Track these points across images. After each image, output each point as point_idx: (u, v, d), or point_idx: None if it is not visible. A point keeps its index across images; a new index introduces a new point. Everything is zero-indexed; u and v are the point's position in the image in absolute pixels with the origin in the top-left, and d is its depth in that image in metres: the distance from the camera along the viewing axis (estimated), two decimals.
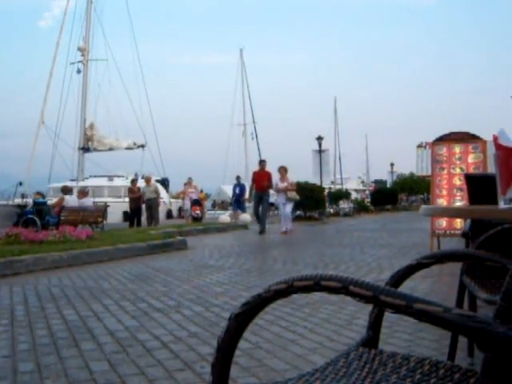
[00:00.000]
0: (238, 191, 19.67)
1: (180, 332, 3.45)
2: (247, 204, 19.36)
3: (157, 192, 17.34)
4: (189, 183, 20.84)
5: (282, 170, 14.00)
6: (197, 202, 20.16)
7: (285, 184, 13.66)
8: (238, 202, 19.95)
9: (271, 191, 14.27)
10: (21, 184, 20.51)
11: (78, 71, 26.11)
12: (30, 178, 23.63)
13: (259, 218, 13.69)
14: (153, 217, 16.92)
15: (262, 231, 13.36)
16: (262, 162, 14.43)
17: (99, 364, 2.77)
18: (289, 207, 13.84)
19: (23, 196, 19.60)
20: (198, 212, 19.84)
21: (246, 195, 15.71)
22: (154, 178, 22.40)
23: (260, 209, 13.74)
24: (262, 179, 13.52)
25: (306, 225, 18.11)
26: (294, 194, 13.86)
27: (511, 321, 0.74)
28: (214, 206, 45.00)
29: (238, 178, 20.35)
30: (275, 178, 13.92)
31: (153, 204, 16.88)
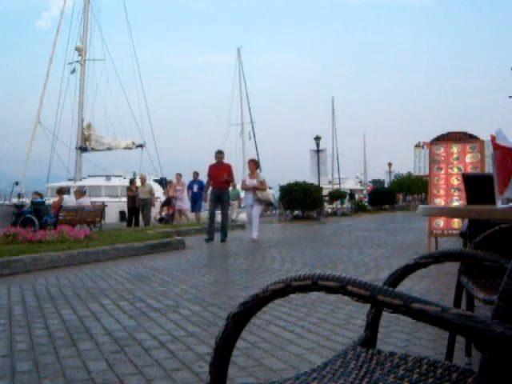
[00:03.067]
0: (195, 189, 17.14)
1: (178, 332, 3.45)
2: (204, 204, 16.37)
3: (151, 192, 17.27)
4: (177, 180, 18.28)
5: (252, 165, 11.58)
6: (168, 203, 18.08)
7: (254, 181, 11.18)
8: (194, 202, 17.42)
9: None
10: (17, 184, 20.49)
11: (73, 71, 25.86)
12: (28, 178, 23.60)
13: (213, 221, 11.06)
14: (144, 217, 16.89)
15: (223, 239, 10.83)
16: (218, 154, 11.43)
17: (97, 364, 2.77)
18: (257, 210, 11.20)
19: (20, 196, 19.55)
20: (165, 214, 17.85)
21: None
22: (152, 178, 22.37)
23: (217, 210, 11.34)
24: (219, 174, 11.01)
25: (304, 225, 18.11)
26: (265, 194, 11.36)
27: (509, 320, 0.74)
28: None
29: (195, 173, 17.55)
30: (242, 173, 12.12)
31: (146, 204, 16.84)
